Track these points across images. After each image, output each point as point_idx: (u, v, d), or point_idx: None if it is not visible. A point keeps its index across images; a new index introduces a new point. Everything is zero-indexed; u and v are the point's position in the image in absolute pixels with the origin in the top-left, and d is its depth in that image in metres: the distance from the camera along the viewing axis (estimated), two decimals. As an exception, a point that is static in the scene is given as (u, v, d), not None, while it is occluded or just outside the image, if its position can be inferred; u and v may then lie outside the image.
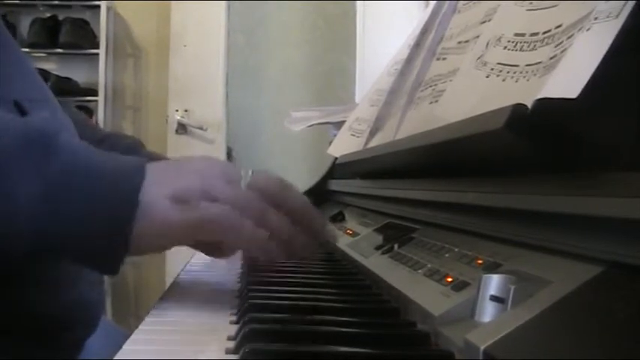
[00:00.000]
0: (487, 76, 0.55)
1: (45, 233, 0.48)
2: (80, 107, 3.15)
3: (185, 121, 3.02)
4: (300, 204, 0.61)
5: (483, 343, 0.33)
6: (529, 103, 0.39)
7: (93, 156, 0.52)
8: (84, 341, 0.68)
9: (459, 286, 0.44)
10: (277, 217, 0.57)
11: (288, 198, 0.60)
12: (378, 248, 0.68)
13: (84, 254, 0.51)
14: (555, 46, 0.45)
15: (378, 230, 0.76)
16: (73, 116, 0.74)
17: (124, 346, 0.43)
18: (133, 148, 0.87)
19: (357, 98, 2.78)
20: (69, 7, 3.21)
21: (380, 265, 0.62)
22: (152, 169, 0.52)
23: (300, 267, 0.70)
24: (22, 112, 0.61)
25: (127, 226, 0.49)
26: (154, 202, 0.51)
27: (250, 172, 0.59)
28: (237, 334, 0.45)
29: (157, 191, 0.51)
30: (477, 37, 0.63)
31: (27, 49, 2.96)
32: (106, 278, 2.83)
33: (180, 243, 0.55)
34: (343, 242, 0.83)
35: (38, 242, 0.48)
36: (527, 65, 0.48)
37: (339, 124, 1.25)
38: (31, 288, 0.59)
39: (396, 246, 0.64)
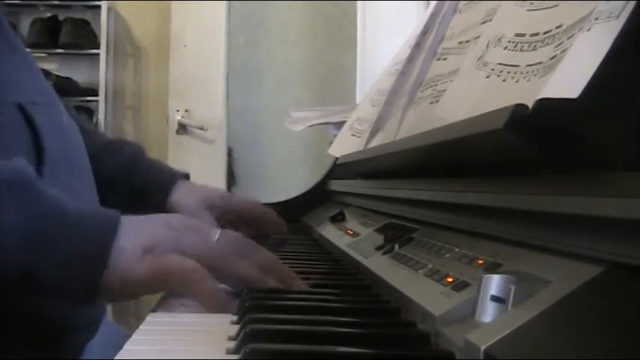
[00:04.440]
0: (487, 77, 0.55)
1: (25, 270, 0.49)
2: (80, 107, 3.15)
3: (185, 121, 3.01)
4: (268, 257, 0.61)
5: (484, 343, 0.33)
6: (529, 104, 0.39)
7: (68, 204, 0.53)
8: (85, 343, 0.68)
9: (459, 286, 0.44)
10: (247, 263, 0.57)
11: (257, 252, 0.60)
12: (378, 248, 0.68)
13: (58, 293, 0.52)
14: (556, 47, 0.45)
15: (379, 230, 0.76)
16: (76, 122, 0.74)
17: (125, 346, 0.43)
18: (135, 154, 0.87)
19: (358, 98, 2.77)
20: (69, 7, 3.21)
21: (380, 266, 0.62)
22: (126, 221, 0.54)
23: (301, 267, 0.70)
24: (26, 115, 0.61)
25: (99, 274, 0.51)
26: (125, 253, 0.53)
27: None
28: (237, 334, 0.45)
29: (129, 241, 0.53)
30: (478, 37, 0.63)
31: (27, 50, 2.96)
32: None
33: (148, 292, 0.56)
34: (344, 242, 0.83)
35: (20, 277, 0.50)
36: (528, 65, 0.48)
37: (339, 124, 1.25)
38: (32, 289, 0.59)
39: (396, 246, 0.64)
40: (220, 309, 0.54)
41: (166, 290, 0.58)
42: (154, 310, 0.56)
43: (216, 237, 0.58)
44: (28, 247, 0.49)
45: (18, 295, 0.51)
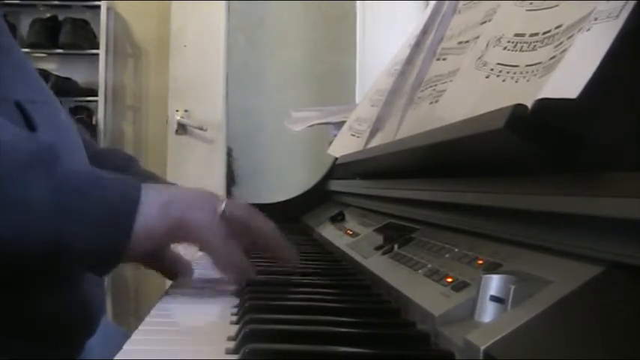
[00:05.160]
0: (487, 77, 0.55)
1: (54, 236, 0.52)
2: (80, 107, 3.15)
3: (185, 121, 3.01)
4: (268, 232, 0.65)
5: (483, 343, 0.33)
6: (529, 104, 0.39)
7: (95, 173, 0.57)
8: (85, 341, 0.68)
9: (459, 286, 0.44)
10: (239, 251, 0.61)
11: (258, 226, 0.65)
12: (378, 248, 0.68)
13: (84, 259, 0.56)
14: (555, 47, 0.45)
15: (378, 230, 0.76)
16: None
17: (124, 346, 0.43)
18: (124, 164, 0.87)
19: (358, 98, 2.77)
20: (69, 7, 3.21)
21: (380, 266, 0.62)
22: (148, 188, 0.58)
23: (300, 267, 0.70)
24: (24, 113, 0.61)
25: (127, 240, 0.55)
26: (148, 206, 0.56)
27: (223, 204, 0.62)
28: (237, 334, 0.45)
29: (151, 197, 0.57)
30: (477, 37, 0.63)
31: (27, 50, 2.96)
32: (107, 278, 2.83)
33: (161, 243, 0.61)
34: (343, 242, 0.83)
35: (49, 244, 0.52)
36: (527, 65, 0.48)
37: (339, 124, 1.25)
38: (33, 289, 0.59)
39: (396, 246, 0.64)
40: (237, 271, 0.60)
41: (182, 239, 0.61)
42: (153, 310, 0.56)
43: (222, 207, 0.61)
44: (57, 213, 0.52)
45: (45, 264, 0.54)
